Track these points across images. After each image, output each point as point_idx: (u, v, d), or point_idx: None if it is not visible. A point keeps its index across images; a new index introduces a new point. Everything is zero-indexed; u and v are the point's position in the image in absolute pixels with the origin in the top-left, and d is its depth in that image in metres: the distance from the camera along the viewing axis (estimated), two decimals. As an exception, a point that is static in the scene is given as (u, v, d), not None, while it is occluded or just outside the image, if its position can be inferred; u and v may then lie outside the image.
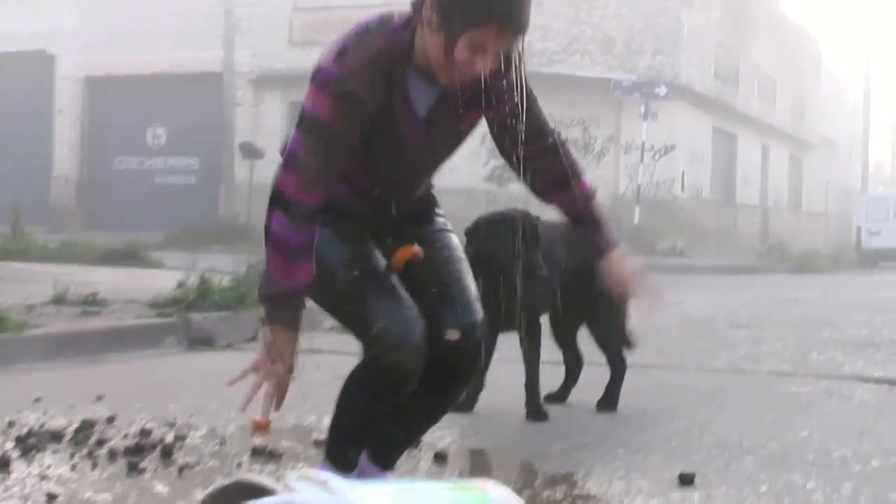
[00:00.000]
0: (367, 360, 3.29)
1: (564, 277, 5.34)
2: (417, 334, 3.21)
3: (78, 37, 33.25)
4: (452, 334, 3.32)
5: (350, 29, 3.18)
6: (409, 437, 3.64)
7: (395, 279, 3.34)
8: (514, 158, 3.39)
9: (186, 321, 8.39)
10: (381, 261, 3.37)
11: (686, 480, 4.10)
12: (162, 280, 10.24)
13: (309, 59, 31.57)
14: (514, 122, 3.29)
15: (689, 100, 30.93)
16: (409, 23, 3.15)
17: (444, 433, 4.82)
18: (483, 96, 3.17)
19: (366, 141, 3.22)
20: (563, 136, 3.52)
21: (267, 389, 3.14)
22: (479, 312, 3.42)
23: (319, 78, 3.13)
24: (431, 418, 3.58)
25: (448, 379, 3.41)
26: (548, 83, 29.56)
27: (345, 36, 3.16)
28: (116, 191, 33.19)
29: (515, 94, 3.23)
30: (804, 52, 47.07)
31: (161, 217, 28.87)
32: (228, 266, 10.39)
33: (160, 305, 8.83)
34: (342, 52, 3.12)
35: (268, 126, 30.75)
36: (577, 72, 29.13)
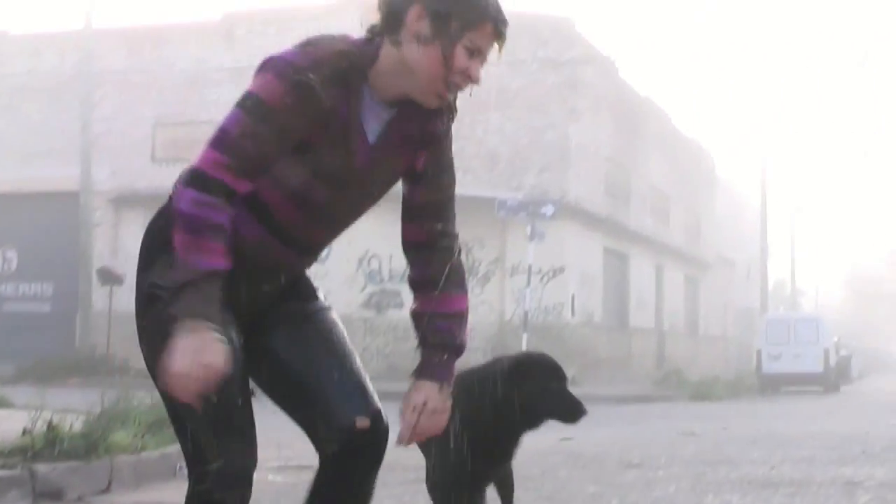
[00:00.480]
0: (197, 493, 3.19)
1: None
2: (250, 478, 3.20)
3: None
4: (363, 422, 3.24)
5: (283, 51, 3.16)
6: None
7: (248, 407, 3.24)
8: (404, 227, 3.44)
9: (31, 473, 7.91)
10: (241, 379, 3.20)
11: None
12: (7, 422, 9.69)
13: (172, 176, 31.92)
14: (421, 182, 3.38)
15: (579, 219, 31.34)
16: (370, 44, 3.20)
17: None
18: (418, 138, 3.27)
19: (308, 157, 3.13)
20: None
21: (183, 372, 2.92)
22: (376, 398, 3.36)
23: (275, 63, 3.09)
24: None
25: (349, 473, 3.30)
26: (428, 202, 29.87)
27: (284, 50, 3.15)
28: (-39, 320, 32.82)
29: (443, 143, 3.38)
30: (699, 168, 48.27)
31: (12, 348, 28.94)
32: (84, 404, 10.10)
33: (3, 455, 8.50)
34: (306, 44, 3.14)
35: (128, 248, 30.32)
36: (460, 190, 28.99)
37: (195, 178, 3.02)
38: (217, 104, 30.37)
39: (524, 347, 27.71)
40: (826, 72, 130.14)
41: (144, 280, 3.20)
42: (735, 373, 41.04)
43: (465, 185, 29.54)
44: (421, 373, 3.38)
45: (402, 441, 3.37)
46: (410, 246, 3.44)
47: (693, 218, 46.87)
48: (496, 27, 3.14)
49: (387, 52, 3.16)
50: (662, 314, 41.60)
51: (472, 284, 29.52)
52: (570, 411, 4.78)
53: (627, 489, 9.11)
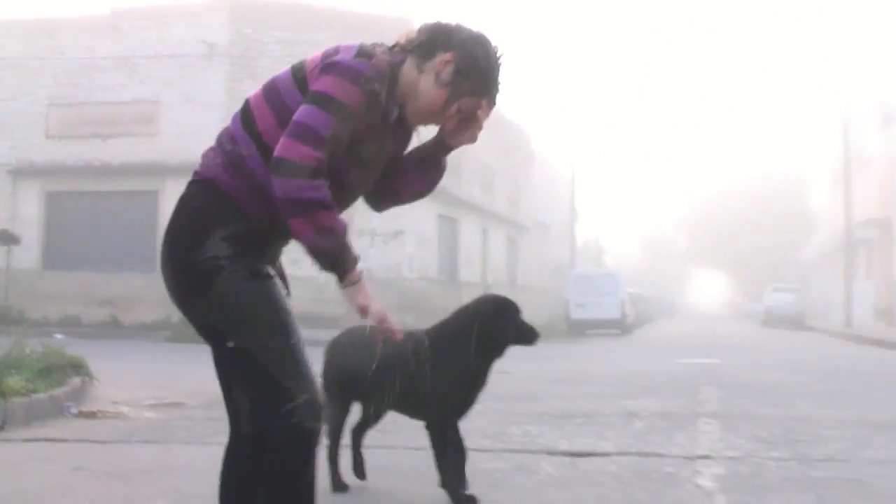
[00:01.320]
0: (291, 427, 3.13)
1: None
2: (322, 408, 3.24)
3: None
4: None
5: (341, 48, 3.26)
6: None
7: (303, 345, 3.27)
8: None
9: None
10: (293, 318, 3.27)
11: None
12: None
13: (65, 150, 30.71)
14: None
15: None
16: (397, 54, 3.32)
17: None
18: (405, 136, 3.51)
19: (353, 149, 3.22)
20: None
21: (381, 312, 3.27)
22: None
23: (350, 70, 3.14)
24: None
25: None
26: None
27: (344, 49, 3.24)
28: None
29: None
30: (518, 146, 48.81)
31: None
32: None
33: None
34: (364, 54, 3.20)
35: (25, 214, 29.80)
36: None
37: (298, 169, 3.05)
38: (103, 88, 29.86)
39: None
40: (626, 66, 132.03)
41: (201, 258, 3.18)
42: (549, 319, 41.65)
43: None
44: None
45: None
46: (378, 200, 3.66)
47: (514, 188, 47.49)
48: (487, 104, 3.37)
49: (409, 69, 3.30)
50: (487, 270, 42.07)
51: (325, 245, 29.79)
52: (529, 336, 5.35)
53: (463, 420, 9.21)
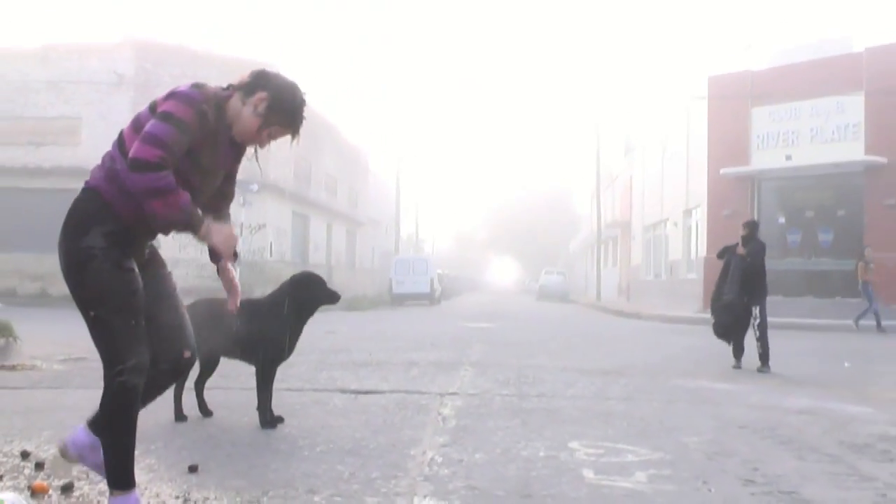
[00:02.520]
0: (118, 384, 3.28)
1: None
2: (147, 368, 3.36)
3: None
4: (187, 353, 3.60)
5: (181, 86, 3.39)
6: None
7: (143, 326, 3.36)
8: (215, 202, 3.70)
9: None
10: (143, 309, 3.37)
11: (192, 469, 4.34)
12: None
13: (4, 155, 29.26)
14: (232, 179, 3.78)
15: (276, 193, 31.36)
16: (224, 91, 3.48)
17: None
18: (238, 155, 3.65)
19: (192, 157, 3.32)
20: None
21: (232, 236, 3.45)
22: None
23: (184, 95, 3.29)
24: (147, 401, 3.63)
25: (169, 381, 3.63)
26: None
27: (183, 86, 3.38)
28: None
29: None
30: (357, 160, 48.91)
31: None
32: None
33: None
34: (197, 86, 3.36)
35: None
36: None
37: (146, 165, 3.16)
38: (36, 105, 29.01)
39: (237, 278, 27.67)
40: (441, 92, 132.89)
41: (80, 244, 3.29)
42: (378, 293, 41.96)
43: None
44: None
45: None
46: (213, 210, 3.64)
47: (353, 193, 47.54)
48: (292, 133, 3.59)
49: (235, 102, 3.47)
50: (331, 255, 42.08)
51: (202, 235, 29.40)
52: (332, 298, 5.86)
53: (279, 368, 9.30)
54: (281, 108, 3.48)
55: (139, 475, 3.92)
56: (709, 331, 11.42)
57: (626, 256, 42.99)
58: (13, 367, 9.09)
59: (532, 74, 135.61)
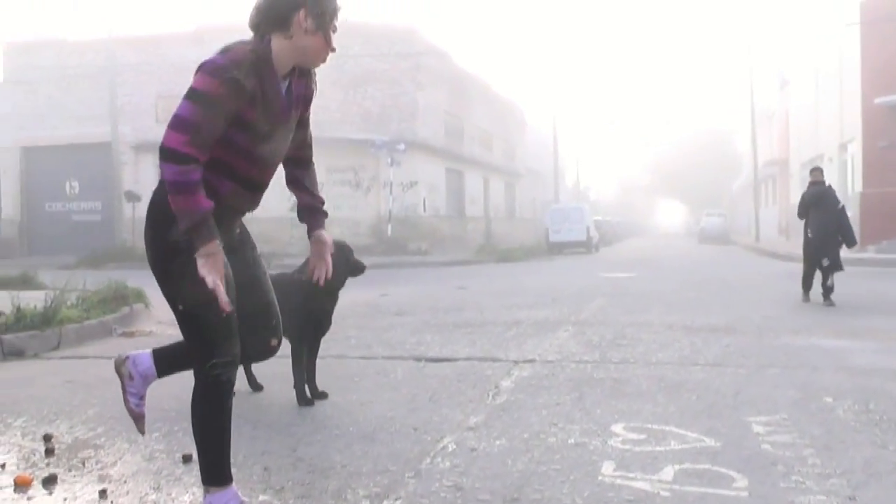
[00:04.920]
0: (212, 377, 3.03)
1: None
2: (239, 360, 3.12)
3: (12, 119, 32.19)
4: (273, 342, 3.34)
5: (210, 57, 2.99)
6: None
7: (236, 317, 3.05)
8: (298, 154, 3.38)
9: (0, 340, 7.78)
10: (234, 298, 3.03)
11: (186, 459, 4.01)
12: (23, 301, 8.96)
13: None
14: (307, 125, 3.36)
15: (426, 150, 31.13)
16: (260, 42, 3.04)
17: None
18: (304, 98, 3.23)
19: (250, 128, 2.98)
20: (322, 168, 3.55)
21: (216, 283, 2.87)
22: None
23: (209, 66, 2.90)
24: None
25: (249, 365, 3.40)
26: (329, 144, 29.51)
27: (210, 57, 2.98)
28: (47, 227, 32.54)
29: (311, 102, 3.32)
30: (513, 114, 48.13)
31: (76, 245, 28.99)
32: (100, 281, 10.37)
33: None
34: (224, 50, 2.96)
35: (144, 180, 29.83)
36: (349, 135, 29.03)
37: (171, 155, 2.82)
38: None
39: (389, 234, 27.81)
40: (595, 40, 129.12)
41: (165, 237, 2.98)
42: (536, 242, 41.29)
43: (352, 132, 29.38)
44: (316, 229, 3.40)
45: (319, 274, 3.46)
46: (301, 163, 3.40)
47: (510, 146, 46.86)
48: (339, 13, 3.11)
49: (279, 43, 3.02)
50: (489, 207, 41.68)
51: (359, 193, 29.60)
52: (357, 269, 5.46)
53: (380, 330, 8.92)
54: (323, 6, 3.04)
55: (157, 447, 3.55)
56: (856, 272, 10.61)
57: (785, 195, 40.39)
58: (131, 334, 9.14)
59: (684, 10, 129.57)
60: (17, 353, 7.77)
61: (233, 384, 3.12)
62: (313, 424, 4.78)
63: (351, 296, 13.65)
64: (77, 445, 4.41)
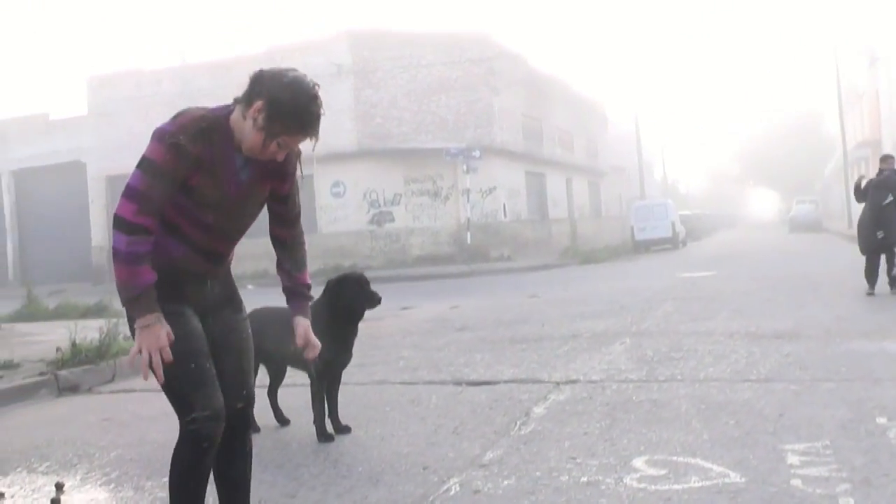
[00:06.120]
0: (189, 432, 2.93)
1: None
2: (224, 415, 2.98)
3: (97, 150, 33.05)
4: (240, 405, 3.13)
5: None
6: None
7: (212, 365, 3.00)
8: (275, 231, 3.28)
9: (56, 376, 7.82)
10: (205, 347, 3.00)
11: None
12: (87, 331, 9.01)
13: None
14: (286, 202, 3.20)
15: (504, 155, 30.81)
16: (226, 108, 2.99)
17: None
18: (276, 173, 3.09)
19: (195, 193, 2.91)
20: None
21: (150, 359, 2.82)
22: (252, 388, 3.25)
23: (158, 133, 2.87)
24: (244, 481, 3.22)
25: (236, 436, 3.12)
26: (406, 155, 29.67)
27: (172, 116, 2.97)
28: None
29: (292, 178, 3.18)
30: (593, 112, 47.31)
31: None
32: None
33: (41, 365, 8.42)
34: (175, 116, 2.94)
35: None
36: (424, 144, 28.95)
37: (121, 224, 2.80)
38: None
39: (468, 241, 27.61)
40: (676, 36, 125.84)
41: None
42: (622, 240, 40.47)
43: (428, 141, 29.28)
44: (299, 315, 3.27)
45: (312, 354, 3.35)
46: (278, 241, 3.27)
47: (592, 144, 46.02)
48: (306, 136, 2.94)
49: (237, 116, 2.94)
50: (573, 208, 40.99)
51: (438, 202, 29.49)
52: (371, 301, 5.12)
53: (433, 350, 8.69)
54: (281, 114, 2.84)
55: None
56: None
57: (881, 179, 38.53)
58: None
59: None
60: (73, 389, 7.80)
61: (214, 443, 2.97)
62: (324, 464, 4.60)
63: (422, 310, 13.63)
64: (83, 494, 4.35)
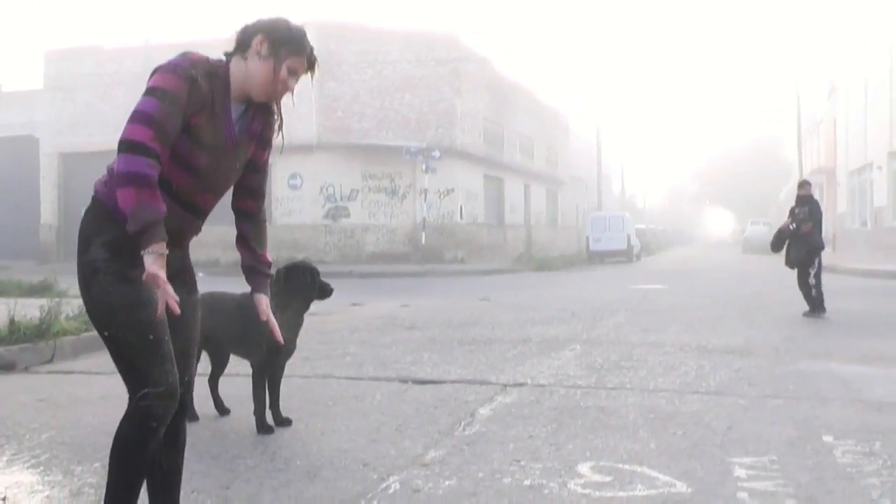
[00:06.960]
0: (139, 408, 2.75)
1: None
2: (178, 394, 2.83)
3: (51, 126, 32.37)
4: (181, 389, 2.91)
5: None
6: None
7: (170, 342, 2.81)
8: (245, 205, 3.19)
9: None
10: (166, 323, 2.80)
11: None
12: (29, 309, 8.77)
13: None
14: (260, 171, 3.16)
15: (464, 157, 30.76)
16: (220, 60, 2.98)
17: None
18: (260, 137, 3.08)
19: (192, 131, 2.81)
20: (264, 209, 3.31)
21: (165, 281, 2.64)
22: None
23: (169, 65, 2.79)
24: (176, 470, 3.06)
25: (172, 423, 2.89)
26: (365, 151, 29.46)
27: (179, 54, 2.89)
28: (86, 233, 32.54)
29: (270, 149, 3.17)
30: (556, 121, 47.49)
31: None
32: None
33: None
34: (184, 54, 2.87)
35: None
36: (385, 142, 28.78)
37: (135, 147, 2.63)
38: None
39: (423, 241, 27.48)
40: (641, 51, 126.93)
41: (85, 261, 2.79)
42: (577, 251, 40.63)
43: (388, 139, 29.11)
44: (261, 292, 3.18)
45: (274, 333, 3.25)
46: (246, 215, 3.18)
47: (552, 153, 46.18)
48: (309, 59, 3.01)
49: (236, 65, 2.94)
50: (530, 215, 41.09)
51: (395, 200, 29.34)
52: (323, 292, 5.09)
53: (381, 347, 8.57)
54: (283, 38, 2.94)
55: None
56: None
57: (832, 204, 39.24)
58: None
59: (730, 17, 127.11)
60: (8, 367, 7.53)
61: (163, 423, 2.79)
62: (262, 457, 4.45)
63: (372, 307, 13.49)
64: (7, 476, 4.14)
